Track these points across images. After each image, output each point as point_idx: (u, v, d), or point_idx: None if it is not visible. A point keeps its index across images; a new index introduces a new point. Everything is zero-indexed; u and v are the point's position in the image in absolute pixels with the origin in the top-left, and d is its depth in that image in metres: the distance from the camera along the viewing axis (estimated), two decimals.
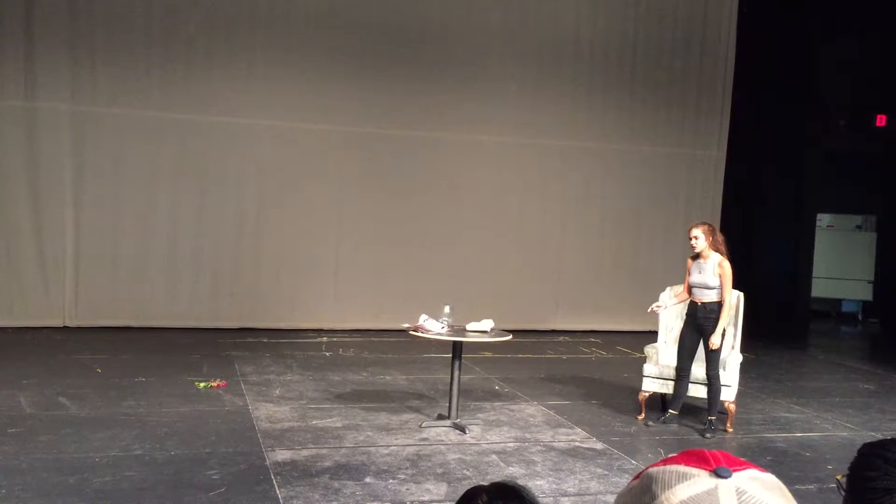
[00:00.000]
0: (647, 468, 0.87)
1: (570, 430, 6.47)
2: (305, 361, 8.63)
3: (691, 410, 7.18)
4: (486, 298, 10.05)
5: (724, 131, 12.15)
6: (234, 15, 10.19)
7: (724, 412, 6.75)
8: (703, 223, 6.71)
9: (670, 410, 6.76)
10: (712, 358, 6.49)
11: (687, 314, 6.67)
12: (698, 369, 6.74)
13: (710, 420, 6.57)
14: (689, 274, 6.59)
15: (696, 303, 6.53)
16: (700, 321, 6.50)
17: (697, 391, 6.76)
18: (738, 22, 12.04)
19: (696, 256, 6.56)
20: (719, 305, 6.45)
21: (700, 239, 6.45)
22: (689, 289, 6.60)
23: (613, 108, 11.65)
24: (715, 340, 6.42)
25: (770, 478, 0.83)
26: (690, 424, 6.81)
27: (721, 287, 6.44)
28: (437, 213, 10.98)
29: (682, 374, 6.67)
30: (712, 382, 6.52)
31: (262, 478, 5.00)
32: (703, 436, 6.49)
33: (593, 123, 11.59)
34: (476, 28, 11.01)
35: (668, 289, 7.38)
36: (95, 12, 9.71)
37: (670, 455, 0.88)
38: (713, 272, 6.44)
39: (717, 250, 6.49)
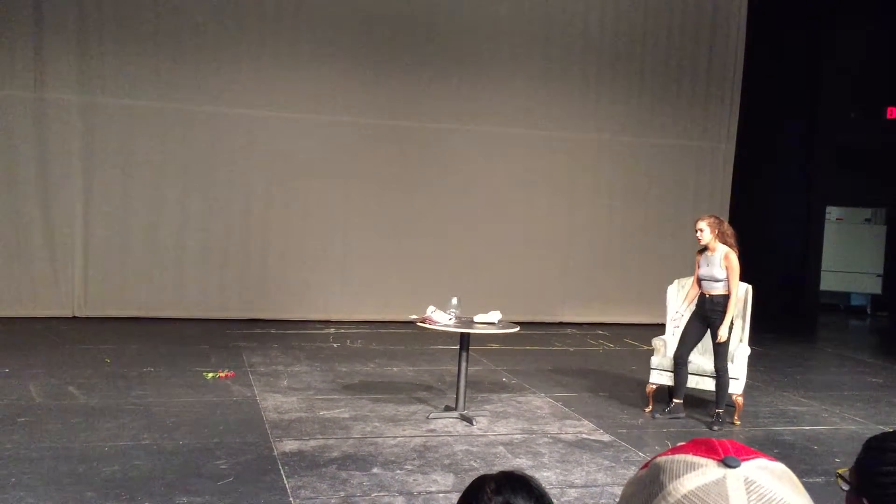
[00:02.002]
0: (655, 457, 0.87)
1: (577, 422, 6.47)
2: (313, 352, 8.65)
3: (699, 403, 7.17)
4: (494, 290, 10.05)
5: (734, 123, 12.10)
6: (243, 6, 10.18)
7: (731, 405, 6.74)
8: (710, 215, 6.67)
9: (675, 400, 6.75)
10: (719, 351, 6.47)
11: (696, 305, 6.64)
12: (706, 362, 6.73)
13: (718, 413, 6.56)
14: (699, 267, 6.57)
15: (705, 295, 6.52)
16: (707, 313, 6.48)
17: (705, 384, 6.76)
18: (748, 13, 11.97)
19: (704, 249, 6.53)
20: (726, 298, 6.42)
21: (705, 231, 6.42)
22: (699, 282, 6.59)
23: (622, 100, 11.61)
24: (722, 333, 6.39)
25: (779, 467, 0.83)
26: (698, 417, 6.80)
27: (728, 279, 6.42)
28: (445, 205, 10.97)
29: (679, 361, 6.65)
30: (720, 375, 6.50)
31: (269, 468, 5.02)
32: (710, 428, 6.49)
33: (601, 115, 11.55)
34: (485, 19, 10.98)
35: (676, 281, 7.37)
36: (104, 3, 9.72)
37: (678, 444, 0.88)
38: (720, 264, 6.41)
39: (724, 242, 6.46)
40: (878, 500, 1.32)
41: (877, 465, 1.34)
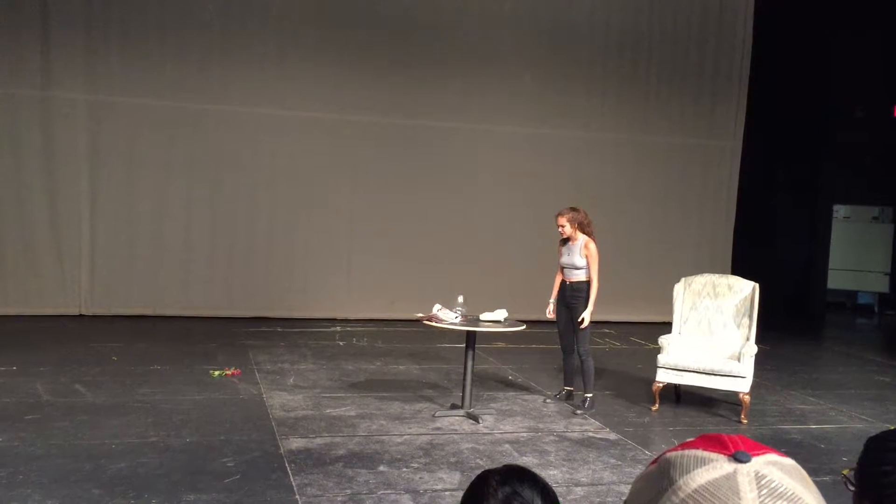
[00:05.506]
0: (665, 453, 0.86)
1: (583, 421, 6.46)
2: (319, 350, 8.65)
3: (705, 402, 7.16)
4: (500, 288, 10.03)
5: (741, 121, 12.07)
6: (249, 5, 10.19)
7: (738, 404, 6.74)
8: (568, 210, 6.81)
9: (565, 388, 7.01)
10: (581, 336, 6.68)
11: (558, 293, 6.87)
12: (713, 360, 6.72)
13: (587, 397, 6.72)
14: (560, 256, 6.82)
15: (566, 282, 6.77)
16: (568, 300, 6.74)
17: (711, 382, 6.74)
18: (755, 11, 11.93)
19: (566, 240, 6.76)
20: (587, 284, 6.68)
21: (566, 227, 6.71)
22: (562, 270, 6.81)
23: (628, 99, 11.58)
24: (584, 318, 6.61)
25: (789, 462, 0.82)
26: (705, 414, 6.79)
27: (588, 267, 6.65)
28: (451, 203, 10.96)
29: (566, 350, 6.92)
30: (583, 360, 6.71)
31: (276, 465, 5.03)
32: (574, 413, 6.63)
33: (608, 113, 11.52)
34: (490, 17, 10.97)
35: (683, 280, 7.36)
36: (111, 3, 9.74)
37: (688, 440, 0.87)
38: (580, 253, 6.67)
39: (583, 231, 6.72)
40: (880, 503, 1.27)
41: (876, 466, 1.28)
